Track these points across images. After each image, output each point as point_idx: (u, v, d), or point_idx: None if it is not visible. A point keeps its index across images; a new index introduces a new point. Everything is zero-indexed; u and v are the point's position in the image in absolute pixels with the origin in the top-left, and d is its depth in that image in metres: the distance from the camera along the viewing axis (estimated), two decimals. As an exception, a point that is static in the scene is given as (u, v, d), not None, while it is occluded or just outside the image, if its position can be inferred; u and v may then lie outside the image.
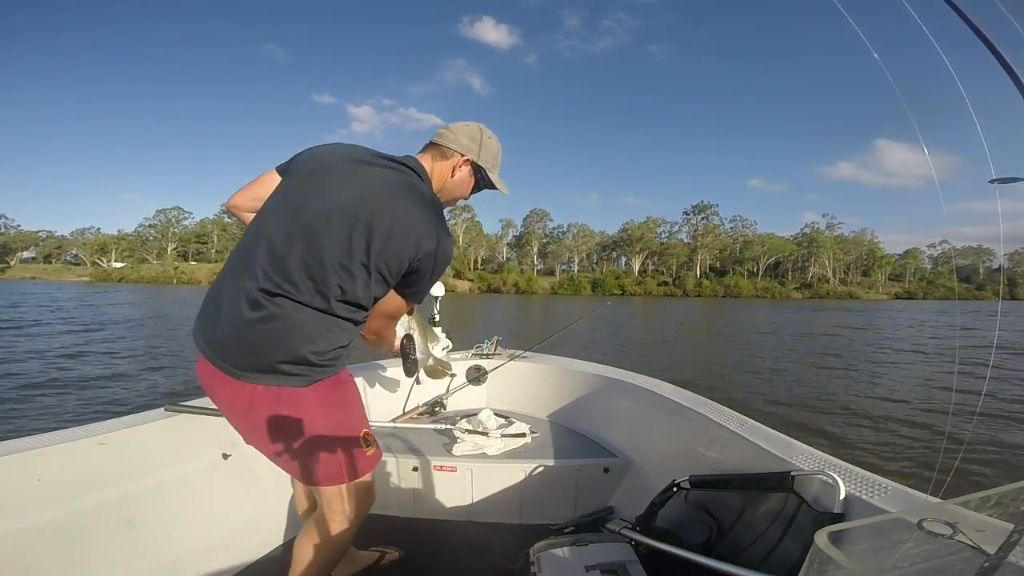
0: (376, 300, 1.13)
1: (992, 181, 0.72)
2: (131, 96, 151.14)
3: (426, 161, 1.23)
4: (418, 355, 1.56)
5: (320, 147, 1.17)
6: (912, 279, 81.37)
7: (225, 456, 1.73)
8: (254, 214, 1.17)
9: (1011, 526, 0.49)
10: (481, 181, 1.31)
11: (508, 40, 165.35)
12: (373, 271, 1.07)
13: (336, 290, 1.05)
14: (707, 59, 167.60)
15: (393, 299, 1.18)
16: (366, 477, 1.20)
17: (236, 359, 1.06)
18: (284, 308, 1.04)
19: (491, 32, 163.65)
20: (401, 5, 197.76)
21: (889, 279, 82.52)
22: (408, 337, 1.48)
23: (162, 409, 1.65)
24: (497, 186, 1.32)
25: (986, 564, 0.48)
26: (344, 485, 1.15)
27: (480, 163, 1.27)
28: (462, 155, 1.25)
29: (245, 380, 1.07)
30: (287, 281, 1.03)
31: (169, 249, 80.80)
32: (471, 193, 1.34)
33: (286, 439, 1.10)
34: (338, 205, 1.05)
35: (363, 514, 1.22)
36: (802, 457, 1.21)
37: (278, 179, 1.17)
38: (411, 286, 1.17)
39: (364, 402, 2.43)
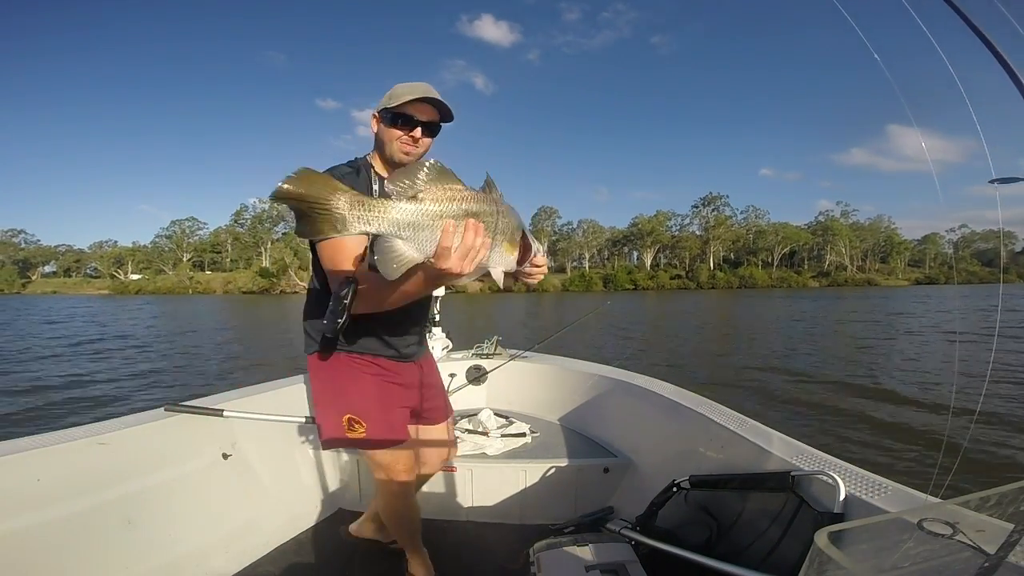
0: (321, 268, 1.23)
1: (992, 181, 0.72)
2: (137, 108, 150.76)
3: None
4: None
5: None
6: (932, 264, 79.74)
7: (225, 456, 1.73)
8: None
9: (1011, 526, 0.49)
10: (394, 118, 1.23)
11: (509, 37, 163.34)
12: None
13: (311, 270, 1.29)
14: (709, 48, 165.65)
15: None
16: (378, 454, 1.35)
17: None
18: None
19: (491, 29, 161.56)
20: (398, 7, 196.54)
21: (909, 265, 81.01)
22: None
23: (162, 409, 1.65)
24: (398, 99, 1.21)
25: (986, 564, 0.48)
26: (373, 453, 1.36)
27: (379, 108, 1.25)
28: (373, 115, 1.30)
29: None
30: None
31: (184, 259, 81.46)
32: (400, 135, 1.24)
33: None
34: None
35: (395, 485, 1.37)
36: (802, 457, 1.20)
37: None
38: None
39: None
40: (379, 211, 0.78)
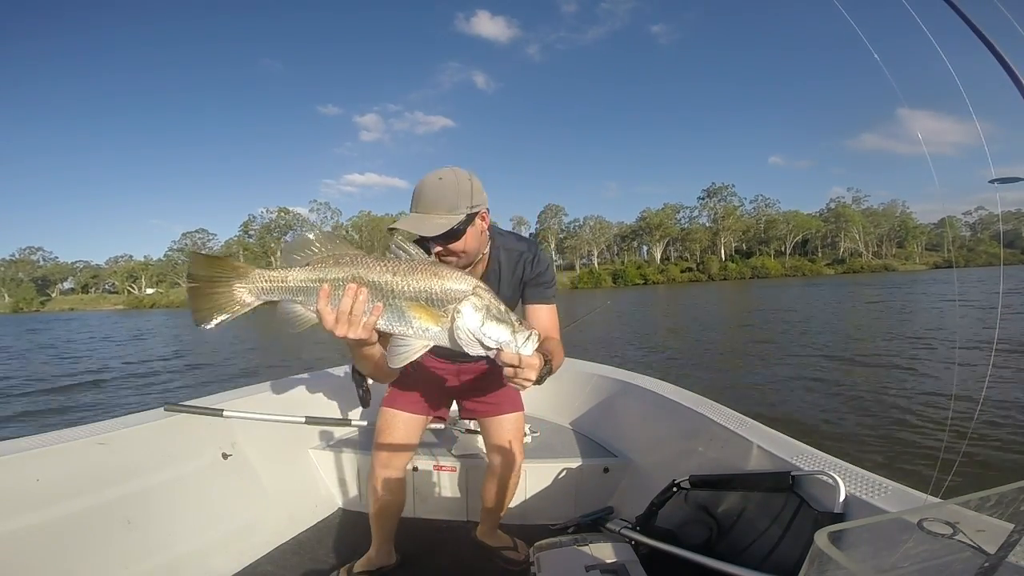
0: None
1: (992, 181, 0.72)
2: (143, 123, 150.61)
3: None
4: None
5: None
6: (951, 247, 77.57)
7: (225, 456, 1.73)
8: None
9: (1011, 526, 0.49)
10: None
11: (507, 33, 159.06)
12: None
13: None
14: (709, 37, 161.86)
15: None
16: (379, 418, 1.61)
17: None
18: None
19: (488, 25, 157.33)
20: (392, 11, 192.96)
21: (927, 249, 78.08)
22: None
23: (162, 409, 1.65)
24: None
25: (986, 564, 0.48)
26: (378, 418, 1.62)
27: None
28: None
29: None
30: None
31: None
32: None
33: None
34: None
35: (377, 457, 1.54)
36: (802, 457, 1.21)
37: None
38: None
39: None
40: (277, 282, 0.86)
